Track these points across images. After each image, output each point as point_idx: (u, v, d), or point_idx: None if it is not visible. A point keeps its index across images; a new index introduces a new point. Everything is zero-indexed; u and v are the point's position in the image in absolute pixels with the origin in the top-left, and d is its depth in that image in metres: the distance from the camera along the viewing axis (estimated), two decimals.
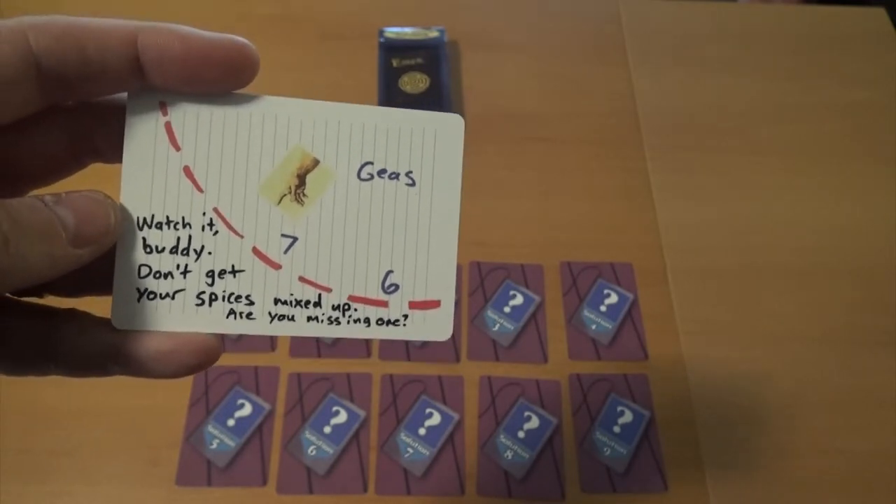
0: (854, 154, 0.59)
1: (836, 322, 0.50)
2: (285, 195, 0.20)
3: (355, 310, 0.20)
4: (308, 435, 0.44)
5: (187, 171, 0.20)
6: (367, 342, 0.48)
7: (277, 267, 0.20)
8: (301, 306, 0.20)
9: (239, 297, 0.20)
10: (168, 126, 0.19)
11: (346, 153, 0.20)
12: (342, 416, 0.45)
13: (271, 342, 0.47)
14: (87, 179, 0.21)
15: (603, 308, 0.50)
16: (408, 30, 0.63)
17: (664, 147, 0.59)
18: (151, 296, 0.20)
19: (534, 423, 0.45)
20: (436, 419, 0.45)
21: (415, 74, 0.60)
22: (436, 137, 0.21)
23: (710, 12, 0.69)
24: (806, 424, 0.46)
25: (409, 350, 0.48)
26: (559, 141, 0.59)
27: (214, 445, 0.43)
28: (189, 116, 0.20)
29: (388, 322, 0.20)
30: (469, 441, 0.45)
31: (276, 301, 0.20)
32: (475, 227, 0.54)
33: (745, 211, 0.55)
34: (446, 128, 0.21)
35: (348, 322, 0.20)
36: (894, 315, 0.51)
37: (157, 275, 0.20)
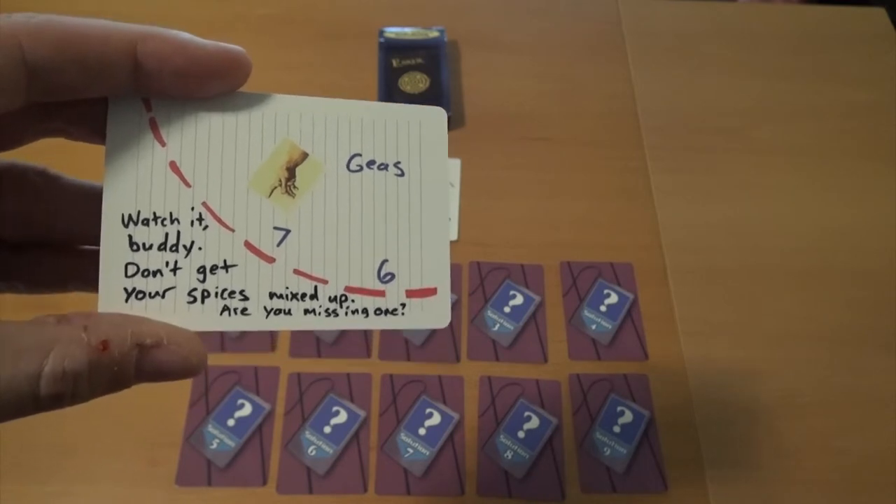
0: (854, 154, 0.59)
1: (836, 322, 0.50)
2: (276, 188, 0.20)
3: (352, 301, 0.20)
4: (308, 435, 0.44)
5: (173, 166, 0.19)
6: (367, 341, 0.48)
7: (271, 260, 0.20)
8: (297, 299, 0.20)
9: (233, 292, 0.19)
10: (153, 121, 0.19)
11: (335, 145, 0.20)
12: (342, 416, 0.45)
13: (271, 342, 0.47)
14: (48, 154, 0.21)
15: (603, 308, 0.50)
16: (408, 30, 0.63)
17: (664, 147, 0.59)
18: (140, 295, 0.19)
19: (534, 423, 0.45)
20: (436, 419, 0.45)
21: (415, 74, 0.60)
22: (420, 129, 0.21)
23: (710, 12, 0.69)
24: (805, 424, 0.46)
25: (409, 350, 0.48)
26: (559, 141, 0.59)
27: (214, 445, 0.43)
28: (174, 112, 0.19)
29: (387, 311, 0.20)
30: (469, 441, 0.45)
31: (272, 295, 0.20)
32: (475, 227, 0.54)
33: (745, 211, 0.56)
34: (430, 120, 0.21)
35: (346, 313, 0.20)
36: (894, 315, 0.51)
37: (146, 273, 0.19)
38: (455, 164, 0.56)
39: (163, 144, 0.19)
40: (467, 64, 0.64)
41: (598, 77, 0.63)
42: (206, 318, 0.19)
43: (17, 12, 0.17)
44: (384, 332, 0.48)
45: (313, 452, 0.43)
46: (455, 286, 0.51)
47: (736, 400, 0.47)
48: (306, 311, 0.20)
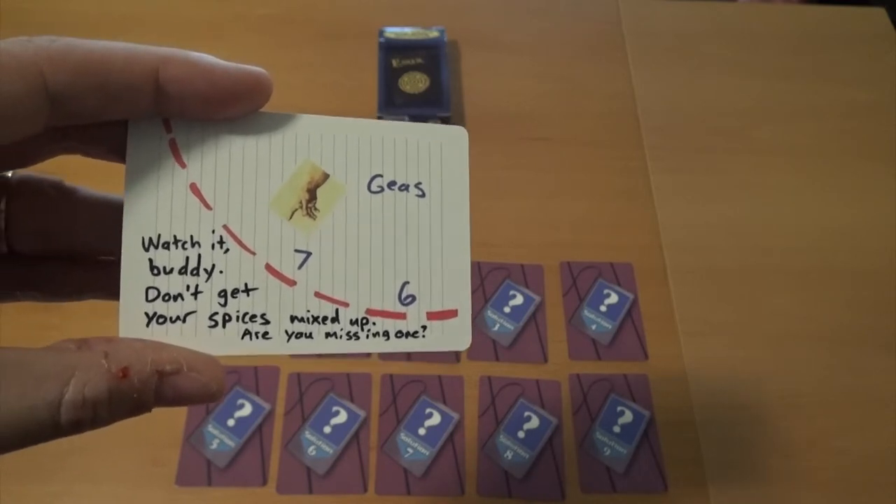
0: (854, 154, 0.59)
1: (836, 322, 0.50)
2: (296, 210, 0.20)
3: (374, 323, 0.20)
4: (308, 435, 0.44)
5: (194, 189, 0.19)
6: None
7: (292, 283, 0.19)
8: (319, 322, 0.20)
9: (254, 316, 0.19)
10: (173, 143, 0.19)
11: (356, 166, 0.20)
12: (342, 416, 0.45)
13: None
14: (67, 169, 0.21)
15: (603, 308, 0.50)
16: (408, 30, 0.63)
17: (664, 147, 0.59)
18: (161, 320, 0.19)
19: (534, 423, 0.45)
20: (436, 419, 0.45)
21: (415, 74, 0.60)
22: (442, 149, 0.21)
23: (710, 12, 0.69)
24: (805, 424, 0.46)
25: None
26: (559, 141, 0.59)
27: (214, 445, 0.43)
28: (194, 133, 0.19)
29: (407, 334, 0.20)
30: (469, 441, 0.45)
31: (293, 318, 0.19)
32: (475, 227, 0.53)
33: (745, 211, 0.56)
34: (452, 140, 0.21)
35: (367, 336, 0.20)
36: (894, 315, 0.51)
37: (167, 297, 0.19)
38: None
39: (183, 166, 0.19)
40: (467, 64, 0.64)
41: (598, 77, 0.63)
42: (228, 343, 0.19)
43: (38, 36, 0.17)
44: None
45: (313, 452, 0.44)
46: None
47: (736, 400, 0.47)
48: (328, 335, 0.20)
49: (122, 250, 0.19)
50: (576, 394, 0.47)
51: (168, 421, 0.44)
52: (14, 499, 0.41)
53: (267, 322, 0.19)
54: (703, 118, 0.61)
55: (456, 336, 0.20)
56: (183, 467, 0.43)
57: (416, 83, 0.60)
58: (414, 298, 0.20)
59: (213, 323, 0.19)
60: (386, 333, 0.20)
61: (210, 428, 0.44)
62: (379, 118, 0.58)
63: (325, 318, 0.20)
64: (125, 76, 0.17)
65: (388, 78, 0.60)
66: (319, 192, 0.20)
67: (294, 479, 0.43)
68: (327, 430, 0.44)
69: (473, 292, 0.50)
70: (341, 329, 0.20)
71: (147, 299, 0.19)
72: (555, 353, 0.48)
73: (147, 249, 0.19)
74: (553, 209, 0.55)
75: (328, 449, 0.44)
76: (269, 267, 0.19)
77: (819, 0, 0.74)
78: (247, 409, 0.45)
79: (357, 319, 0.20)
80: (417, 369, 0.47)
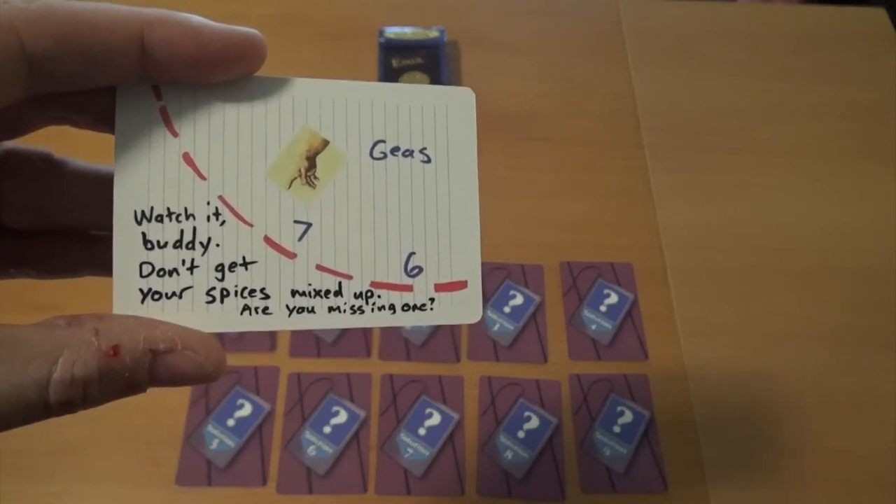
0: (854, 154, 0.59)
1: (836, 322, 0.50)
2: (295, 179, 0.19)
3: (379, 296, 0.19)
4: (308, 435, 0.44)
5: (187, 158, 0.18)
6: (367, 340, 0.48)
7: (292, 256, 0.19)
8: (321, 296, 0.19)
9: (253, 290, 0.18)
10: (164, 110, 0.18)
11: (357, 132, 0.19)
12: (342, 416, 0.45)
13: (271, 342, 0.47)
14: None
15: (603, 308, 0.50)
16: (408, 30, 0.63)
17: (664, 147, 0.59)
18: (157, 296, 0.18)
19: (534, 423, 0.45)
20: (436, 419, 0.45)
21: (415, 74, 0.60)
22: (448, 112, 0.20)
23: (710, 12, 0.69)
24: (806, 424, 0.46)
25: (408, 350, 0.48)
26: (559, 141, 0.59)
27: (214, 445, 0.43)
28: (186, 100, 0.18)
29: (415, 307, 0.19)
30: (469, 441, 0.45)
31: (294, 293, 0.19)
32: None
33: (745, 211, 0.56)
34: (458, 102, 0.20)
35: (372, 310, 0.19)
36: (894, 315, 0.51)
37: (161, 272, 0.18)
38: None
39: (175, 135, 0.18)
40: (467, 64, 0.64)
41: (598, 77, 0.63)
42: (226, 319, 0.19)
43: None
44: (384, 331, 0.48)
45: (313, 452, 0.43)
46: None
47: (736, 400, 0.47)
48: (331, 309, 0.19)
49: (114, 224, 0.18)
50: (576, 394, 0.47)
51: (168, 421, 0.44)
52: (14, 499, 0.41)
53: (267, 297, 0.19)
54: (703, 118, 0.61)
55: (466, 308, 0.20)
56: (183, 467, 0.43)
57: (416, 83, 0.60)
58: (421, 270, 0.19)
59: (210, 298, 0.18)
60: (392, 307, 0.19)
61: (210, 428, 0.44)
62: None
63: (327, 292, 0.19)
64: (108, 39, 0.16)
65: (388, 78, 0.60)
66: (319, 159, 0.19)
67: (294, 479, 0.43)
68: (327, 430, 0.44)
69: None
70: (345, 303, 0.19)
71: (141, 275, 0.18)
72: (555, 353, 0.48)
73: (140, 223, 0.18)
74: (553, 209, 0.55)
75: (328, 449, 0.44)
76: (267, 239, 0.19)
77: (819, 0, 0.74)
78: (247, 409, 0.45)
79: (361, 293, 0.19)
80: (417, 369, 0.47)
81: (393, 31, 0.63)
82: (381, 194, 0.19)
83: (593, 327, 0.49)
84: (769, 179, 0.57)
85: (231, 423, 0.44)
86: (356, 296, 0.19)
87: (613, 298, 0.51)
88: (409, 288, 0.19)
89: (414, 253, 0.19)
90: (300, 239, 0.19)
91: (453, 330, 0.49)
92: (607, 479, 0.44)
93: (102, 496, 0.42)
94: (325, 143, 0.19)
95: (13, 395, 0.16)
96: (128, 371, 0.17)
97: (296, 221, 0.19)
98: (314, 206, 0.19)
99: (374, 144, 0.19)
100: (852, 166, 0.58)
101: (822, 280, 0.52)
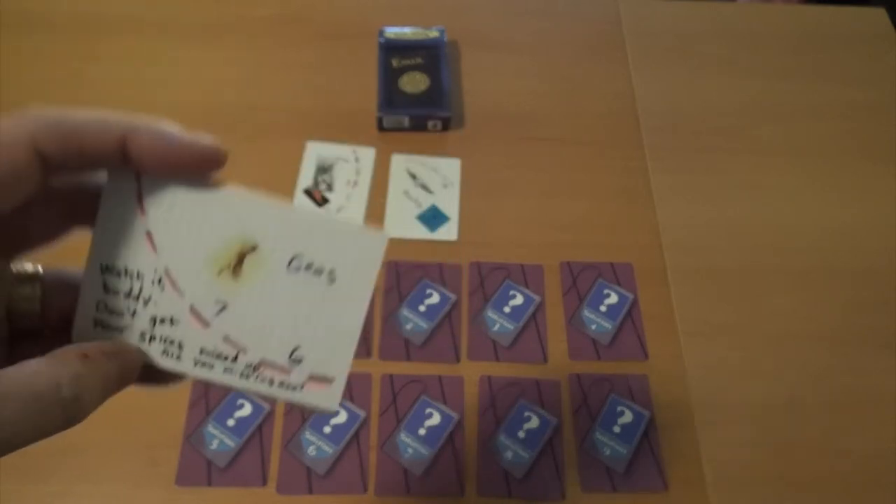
0: (854, 154, 0.59)
1: (836, 322, 0.50)
2: (224, 269, 0.24)
3: (264, 371, 0.24)
4: (308, 435, 0.44)
5: (148, 235, 0.23)
6: (367, 340, 0.48)
7: (207, 325, 0.24)
8: (220, 359, 0.24)
9: (172, 341, 0.24)
10: (139, 192, 0.23)
11: (283, 244, 0.24)
12: (342, 416, 0.45)
13: None
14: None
15: (603, 308, 0.50)
16: (408, 30, 0.63)
17: (664, 147, 0.59)
18: (105, 326, 0.24)
19: (534, 423, 0.45)
20: (436, 419, 0.45)
21: (415, 74, 0.60)
22: (360, 249, 0.24)
23: (710, 12, 0.69)
24: (806, 424, 0.46)
25: (409, 350, 0.48)
26: (559, 141, 0.59)
27: (214, 445, 0.43)
28: (157, 187, 0.23)
29: (288, 386, 0.24)
30: (469, 441, 0.45)
31: (202, 351, 0.24)
32: (475, 227, 0.54)
33: (745, 211, 0.56)
34: (373, 243, 0.24)
35: (256, 379, 0.24)
36: (894, 315, 0.51)
37: (111, 311, 0.24)
38: (455, 164, 0.56)
39: (143, 213, 0.23)
40: (467, 64, 0.64)
41: (598, 77, 0.63)
42: (150, 355, 0.24)
43: (31, 106, 0.20)
44: (384, 331, 0.48)
45: (313, 452, 0.44)
46: (455, 286, 0.51)
47: (736, 400, 0.47)
48: (225, 370, 0.24)
49: (84, 270, 0.23)
50: (576, 394, 0.47)
51: (168, 421, 0.44)
52: (14, 499, 0.41)
53: (181, 348, 0.24)
54: (703, 118, 0.61)
55: (327, 398, 0.24)
56: (183, 467, 0.43)
57: (416, 83, 0.60)
58: (301, 360, 0.24)
59: (141, 338, 0.24)
60: (271, 381, 0.24)
61: (210, 428, 0.44)
62: (379, 118, 0.58)
63: (226, 357, 0.24)
64: (100, 141, 0.21)
65: (388, 78, 0.60)
66: (247, 259, 0.24)
67: (294, 478, 0.43)
68: (327, 429, 0.44)
69: (473, 293, 0.51)
70: (237, 369, 0.24)
71: (97, 309, 0.24)
72: (555, 353, 0.48)
73: (103, 273, 0.24)
74: (553, 209, 0.55)
75: (328, 449, 0.44)
76: (192, 308, 0.24)
77: (819, 0, 0.74)
78: (247, 409, 0.45)
79: (251, 364, 0.24)
80: (417, 369, 0.47)
81: (393, 31, 0.63)
82: (287, 297, 0.24)
83: (593, 327, 0.49)
84: (769, 179, 0.57)
85: (231, 423, 0.44)
86: (247, 366, 0.24)
87: (613, 298, 0.51)
88: (288, 371, 0.24)
89: (299, 346, 0.24)
90: (216, 315, 0.24)
91: (453, 330, 0.49)
92: (607, 478, 0.44)
93: (102, 496, 0.42)
94: (254, 248, 0.24)
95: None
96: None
97: (216, 301, 0.24)
98: (233, 294, 0.24)
99: (294, 257, 0.24)
100: (852, 166, 0.58)
101: (822, 280, 0.52)
